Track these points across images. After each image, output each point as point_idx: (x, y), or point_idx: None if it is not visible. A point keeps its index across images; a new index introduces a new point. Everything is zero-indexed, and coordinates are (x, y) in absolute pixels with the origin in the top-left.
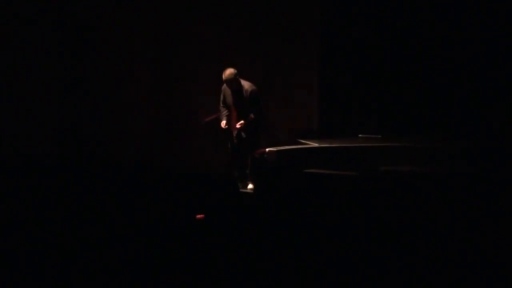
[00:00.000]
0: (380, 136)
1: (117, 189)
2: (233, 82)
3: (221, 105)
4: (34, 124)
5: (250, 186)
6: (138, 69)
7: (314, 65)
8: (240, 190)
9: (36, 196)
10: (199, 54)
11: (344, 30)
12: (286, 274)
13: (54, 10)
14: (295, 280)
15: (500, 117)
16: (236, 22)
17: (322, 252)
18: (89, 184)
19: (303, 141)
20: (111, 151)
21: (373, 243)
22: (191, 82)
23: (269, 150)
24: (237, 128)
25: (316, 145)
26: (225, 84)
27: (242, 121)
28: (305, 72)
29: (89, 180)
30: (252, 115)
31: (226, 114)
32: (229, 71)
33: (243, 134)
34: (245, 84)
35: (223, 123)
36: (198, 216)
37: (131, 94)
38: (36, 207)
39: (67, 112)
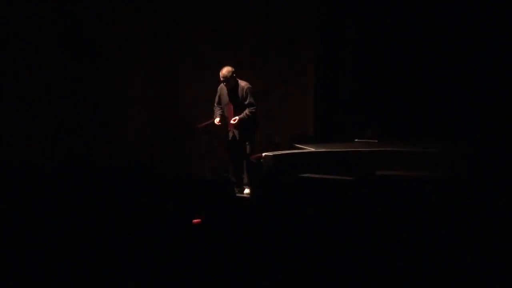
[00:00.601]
0: (376, 141)
1: (114, 191)
2: (230, 80)
3: (215, 105)
4: (33, 124)
5: (247, 190)
6: (138, 71)
7: (311, 69)
8: (237, 194)
9: (35, 197)
10: (198, 55)
11: (343, 32)
12: (281, 279)
13: (54, 10)
14: (292, 284)
15: (500, 118)
16: (235, 24)
17: (318, 256)
18: (87, 185)
19: (300, 146)
20: (110, 152)
21: (370, 248)
22: (190, 84)
23: (265, 155)
24: (232, 124)
25: (312, 149)
26: (221, 84)
27: (237, 117)
28: (302, 76)
29: (87, 181)
30: (247, 112)
31: (220, 113)
32: (226, 69)
33: (237, 133)
34: (241, 82)
35: (217, 120)
36: (195, 220)
37: (130, 95)
38: (35, 208)
39: (66, 113)
